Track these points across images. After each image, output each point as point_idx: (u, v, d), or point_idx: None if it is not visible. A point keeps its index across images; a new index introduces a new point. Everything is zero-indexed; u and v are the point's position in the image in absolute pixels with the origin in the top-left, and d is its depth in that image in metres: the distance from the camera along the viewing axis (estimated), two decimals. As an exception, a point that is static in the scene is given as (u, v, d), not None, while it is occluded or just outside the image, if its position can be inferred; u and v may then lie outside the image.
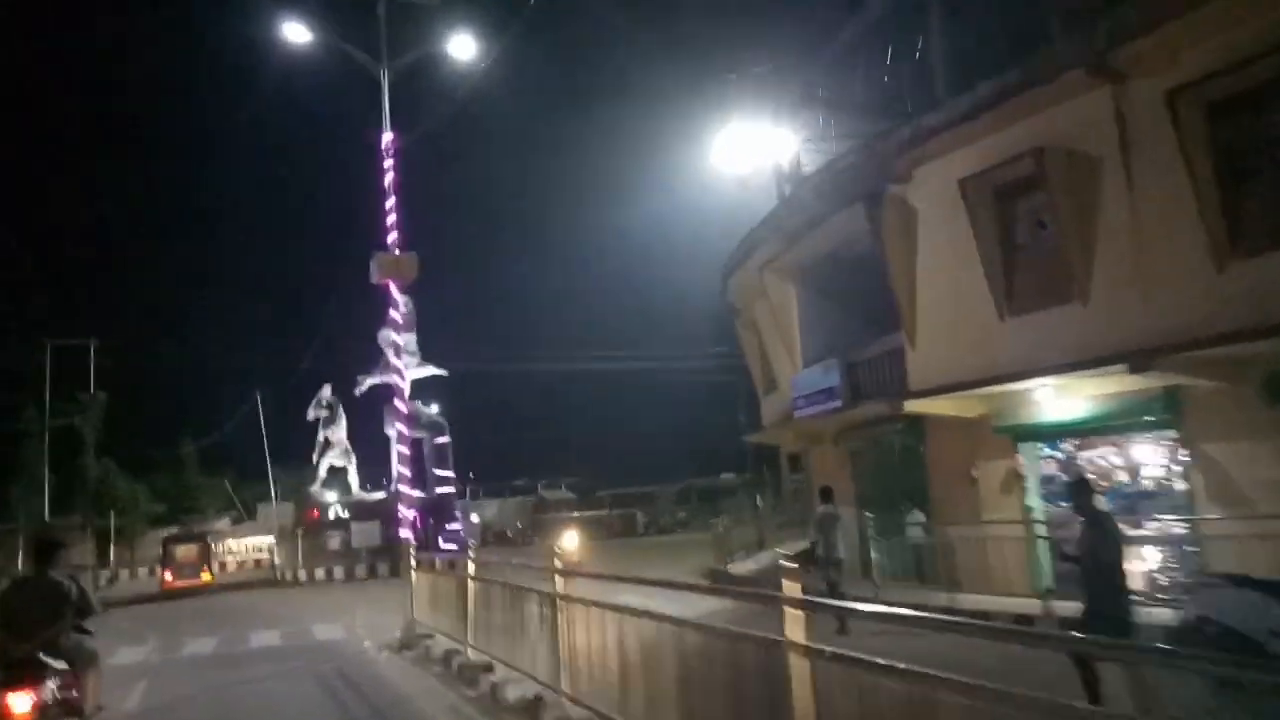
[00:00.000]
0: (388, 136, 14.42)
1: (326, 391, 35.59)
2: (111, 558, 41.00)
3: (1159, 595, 10.29)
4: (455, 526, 31.58)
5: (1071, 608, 7.05)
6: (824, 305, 17.33)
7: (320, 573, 29.86)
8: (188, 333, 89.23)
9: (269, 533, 38.28)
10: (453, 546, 28.31)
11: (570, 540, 22.69)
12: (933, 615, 3.57)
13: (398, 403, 15.03)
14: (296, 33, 14.87)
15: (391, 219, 14.25)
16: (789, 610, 3.59)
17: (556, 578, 6.90)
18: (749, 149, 21.81)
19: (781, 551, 20.34)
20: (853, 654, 3.29)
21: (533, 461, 64.74)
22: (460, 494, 39.51)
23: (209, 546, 30.78)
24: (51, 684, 6.24)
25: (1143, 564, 10.83)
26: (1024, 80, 11.27)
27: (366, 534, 30.67)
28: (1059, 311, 11.37)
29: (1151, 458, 11.55)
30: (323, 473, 35.38)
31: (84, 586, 6.80)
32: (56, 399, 37.92)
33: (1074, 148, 10.99)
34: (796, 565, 3.80)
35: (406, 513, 13.95)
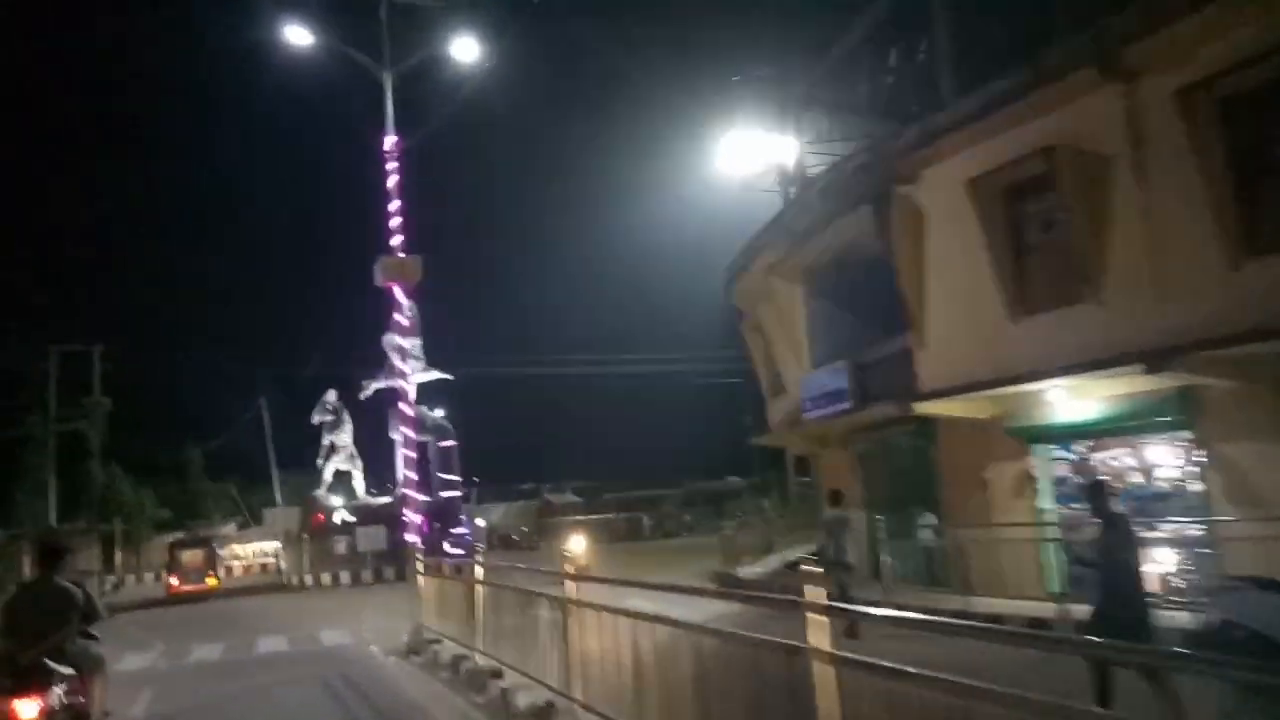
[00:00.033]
0: (391, 139, 14.39)
1: (332, 396, 35.50)
2: (117, 563, 40.98)
3: (1175, 598, 10.16)
4: (461, 530, 31.47)
5: (1086, 611, 6.94)
6: (831, 307, 17.23)
7: (326, 577, 29.79)
8: (192, 337, 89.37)
9: (275, 537, 38.23)
10: (459, 551, 28.25)
11: (578, 544, 22.58)
12: (955, 620, 3.49)
13: (403, 406, 14.98)
14: (299, 36, 14.85)
15: (396, 222, 14.21)
16: (812, 616, 3.50)
17: (568, 582, 6.81)
18: (753, 152, 21.77)
19: (790, 556, 20.35)
20: (883, 662, 3.18)
21: (538, 465, 64.70)
22: (465, 498, 39.39)
23: (215, 551, 30.71)
24: (58, 690, 6.19)
25: (1158, 566, 10.71)
26: (1034, 79, 11.19)
27: (372, 538, 30.55)
28: (1072, 311, 11.27)
29: (1166, 459, 11.43)
30: (328, 477, 35.29)
31: (89, 592, 6.75)
32: (62, 404, 37.95)
33: (1085, 146, 10.90)
34: (820, 570, 3.70)
35: (412, 517, 13.88)
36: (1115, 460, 12.01)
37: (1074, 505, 11.81)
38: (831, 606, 3.58)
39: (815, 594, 3.56)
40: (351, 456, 35.98)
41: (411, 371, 19.63)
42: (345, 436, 35.80)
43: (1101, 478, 9.67)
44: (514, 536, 49.11)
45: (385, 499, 33.47)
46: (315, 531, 31.99)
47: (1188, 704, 5.48)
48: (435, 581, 12.16)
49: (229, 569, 40.47)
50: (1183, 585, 10.49)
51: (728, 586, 16.50)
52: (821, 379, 16.39)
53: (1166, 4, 9.83)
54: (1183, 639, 7.51)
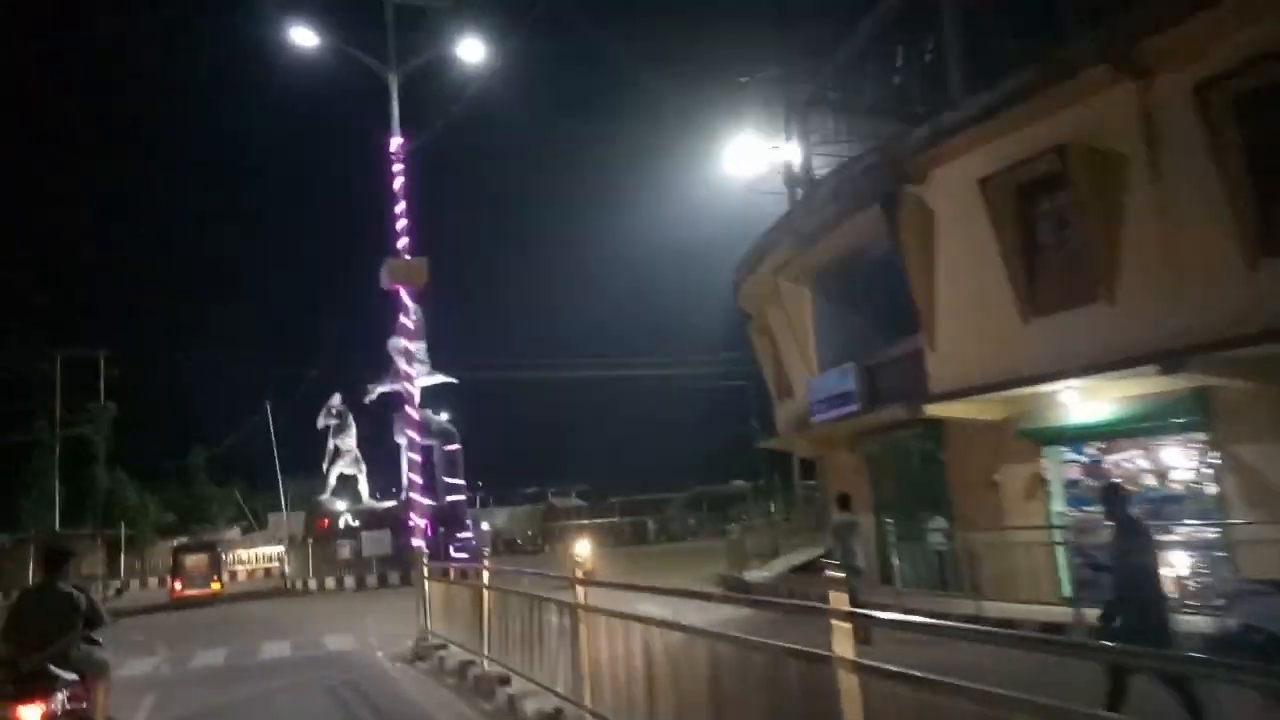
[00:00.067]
0: (397, 141, 14.30)
1: (336, 400, 35.45)
2: (121, 568, 40.97)
3: (1190, 602, 10.02)
4: (466, 535, 31.40)
5: (1096, 615, 6.79)
6: (839, 308, 17.11)
7: (331, 582, 29.74)
8: (197, 342, 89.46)
9: (279, 542, 38.16)
10: (464, 555, 28.14)
11: (585, 548, 22.47)
12: (973, 626, 3.36)
13: (408, 410, 14.86)
14: (303, 36, 14.78)
15: (401, 224, 14.12)
16: (836, 624, 3.38)
17: (577, 588, 6.69)
18: (761, 153, 21.69)
19: (796, 560, 20.21)
20: (912, 672, 3.06)
21: (543, 469, 64.72)
22: (471, 502, 39.31)
23: (219, 556, 30.65)
24: (61, 696, 6.13)
25: (1172, 570, 10.56)
26: (1046, 77, 11.07)
27: (377, 542, 30.51)
28: (1085, 312, 11.13)
29: (1180, 461, 11.28)
30: (333, 481, 35.22)
31: (93, 597, 6.68)
32: (67, 409, 37.98)
33: (1098, 145, 10.77)
34: (843, 575, 3.58)
35: (417, 521, 13.77)
36: (1129, 462, 11.86)
37: (1086, 508, 11.66)
38: (856, 614, 3.46)
39: (839, 599, 3.44)
40: (356, 460, 35.92)
41: (416, 375, 19.54)
42: (350, 440, 35.73)
43: (1116, 481, 9.55)
44: (519, 540, 49.05)
45: (390, 503, 33.40)
46: (320, 536, 31.93)
47: (1209, 711, 5.34)
48: (441, 586, 12.05)
49: (233, 574, 40.45)
50: (1196, 589, 10.35)
51: (734, 591, 16.36)
52: (829, 381, 16.27)
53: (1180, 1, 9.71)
54: (1202, 644, 7.38)
